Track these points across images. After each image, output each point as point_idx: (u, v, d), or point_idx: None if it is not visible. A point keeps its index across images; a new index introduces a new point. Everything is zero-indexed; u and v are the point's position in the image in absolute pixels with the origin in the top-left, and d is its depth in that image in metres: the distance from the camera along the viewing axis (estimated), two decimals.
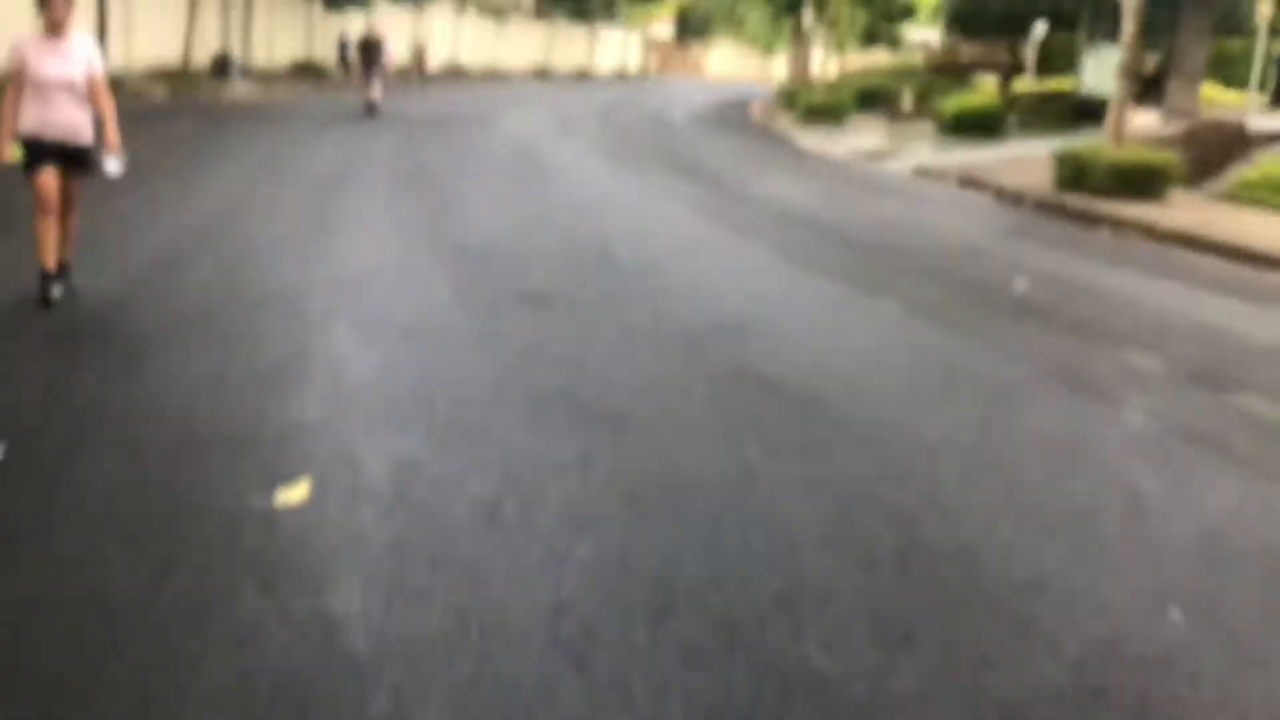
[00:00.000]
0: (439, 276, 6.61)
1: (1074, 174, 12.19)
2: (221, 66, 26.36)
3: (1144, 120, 16.89)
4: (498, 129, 18.88)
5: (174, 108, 19.11)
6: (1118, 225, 10.70)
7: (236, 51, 28.06)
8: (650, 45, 67.74)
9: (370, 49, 21.14)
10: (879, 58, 54.61)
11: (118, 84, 19.47)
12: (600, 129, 20.47)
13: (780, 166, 15.89)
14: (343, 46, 30.88)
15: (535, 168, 13.50)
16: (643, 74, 61.80)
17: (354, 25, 32.46)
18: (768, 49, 59.79)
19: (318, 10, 33.28)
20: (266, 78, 28.20)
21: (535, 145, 16.38)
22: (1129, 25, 12.29)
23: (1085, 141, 13.51)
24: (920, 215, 11.23)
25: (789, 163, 16.70)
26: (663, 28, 69.93)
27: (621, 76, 56.22)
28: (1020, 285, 7.39)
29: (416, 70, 31.30)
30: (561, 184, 12.09)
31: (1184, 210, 11.24)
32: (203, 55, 27.10)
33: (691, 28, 67.93)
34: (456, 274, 6.70)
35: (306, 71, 30.48)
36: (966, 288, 7.50)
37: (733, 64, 73.19)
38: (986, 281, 7.71)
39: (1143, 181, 11.69)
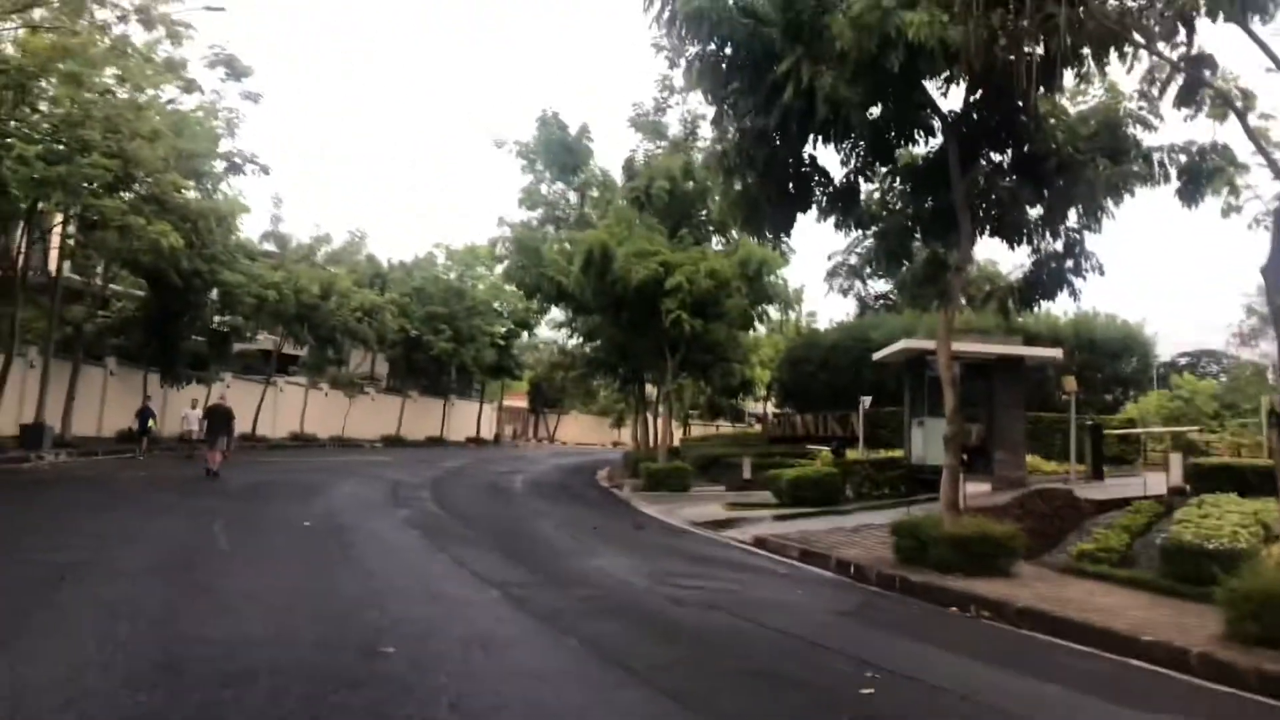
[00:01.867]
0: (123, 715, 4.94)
1: (915, 547, 11.60)
2: (31, 435, 24.72)
3: (975, 489, 17.00)
4: (321, 498, 17.48)
5: None
6: (966, 604, 9.91)
7: (56, 421, 26.42)
8: (505, 413, 69.03)
9: (216, 417, 21.42)
10: (721, 427, 57.18)
11: None
12: (432, 498, 19.31)
13: (614, 539, 14.88)
14: (143, 415, 27.96)
15: (339, 544, 12.02)
16: (497, 441, 62.20)
17: (185, 398, 31.52)
18: (618, 420, 61.77)
19: (154, 382, 32.18)
20: (89, 447, 26.37)
21: (353, 517, 14.97)
22: (950, 399, 12.41)
23: (922, 512, 13.15)
24: (758, 595, 10.21)
25: (625, 534, 15.75)
26: (517, 399, 71.96)
27: (476, 443, 56.28)
28: (867, 690, 6.24)
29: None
30: (361, 565, 10.61)
31: (1032, 586, 10.61)
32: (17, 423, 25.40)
33: (545, 399, 70.14)
34: (145, 709, 5.06)
35: (134, 441, 28.67)
36: (808, 694, 6.28)
37: (586, 431, 75.18)
38: (830, 685, 6.51)
39: (987, 555, 11.14)
